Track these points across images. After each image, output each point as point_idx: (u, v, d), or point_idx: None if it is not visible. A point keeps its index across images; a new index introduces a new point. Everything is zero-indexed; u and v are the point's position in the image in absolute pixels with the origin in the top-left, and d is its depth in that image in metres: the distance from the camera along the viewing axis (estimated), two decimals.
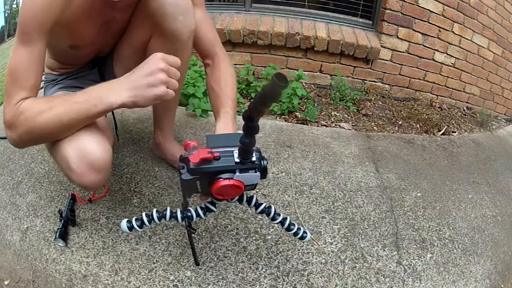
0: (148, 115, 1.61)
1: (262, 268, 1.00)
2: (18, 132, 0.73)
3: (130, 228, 0.75)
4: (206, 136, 0.70)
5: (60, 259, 0.98)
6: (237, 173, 0.63)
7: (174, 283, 0.94)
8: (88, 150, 0.76)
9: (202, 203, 0.80)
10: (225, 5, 2.22)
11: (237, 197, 0.76)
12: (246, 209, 1.16)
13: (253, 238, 1.08)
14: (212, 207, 0.79)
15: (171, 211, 0.78)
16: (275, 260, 1.03)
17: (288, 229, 0.83)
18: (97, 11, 0.83)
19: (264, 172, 0.66)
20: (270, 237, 1.09)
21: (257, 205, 0.81)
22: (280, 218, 0.82)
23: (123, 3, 0.88)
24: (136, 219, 0.76)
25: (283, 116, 1.84)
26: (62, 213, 1.05)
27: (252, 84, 1.98)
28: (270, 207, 0.81)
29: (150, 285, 0.93)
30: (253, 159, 0.64)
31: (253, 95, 1.95)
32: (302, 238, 0.84)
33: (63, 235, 1.02)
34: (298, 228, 0.84)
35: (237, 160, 0.63)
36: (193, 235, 0.90)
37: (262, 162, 0.66)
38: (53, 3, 0.72)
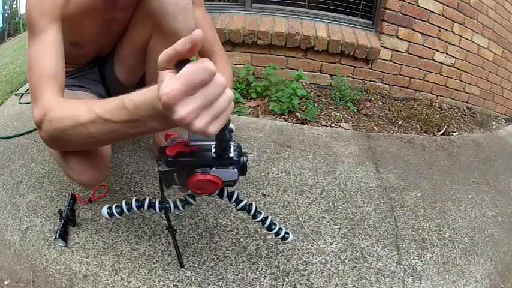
0: None
1: (262, 268, 1.00)
2: (47, 134, 0.66)
3: (110, 214, 0.78)
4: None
5: (60, 259, 0.98)
6: (214, 168, 0.62)
7: (174, 283, 0.94)
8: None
9: (182, 196, 0.80)
10: (225, 5, 2.22)
11: (216, 192, 0.76)
12: None
13: (253, 238, 1.08)
14: (191, 201, 0.79)
15: (149, 201, 0.79)
16: (275, 260, 1.02)
17: (269, 228, 0.83)
18: (98, 10, 0.83)
19: (243, 169, 0.65)
20: (270, 237, 1.08)
21: (237, 201, 0.80)
22: (261, 217, 0.82)
23: (124, 3, 0.88)
24: (116, 206, 0.78)
25: (283, 116, 1.84)
26: (62, 213, 1.05)
27: (252, 84, 1.98)
28: (250, 204, 0.81)
29: (150, 285, 0.93)
30: (231, 155, 0.62)
31: (253, 95, 1.95)
32: (284, 239, 0.84)
33: (63, 235, 1.02)
34: (280, 229, 0.84)
35: (214, 155, 0.62)
36: (177, 236, 0.91)
37: (241, 158, 0.64)
38: None
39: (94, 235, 1.05)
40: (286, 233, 0.84)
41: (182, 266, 0.98)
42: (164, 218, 1.11)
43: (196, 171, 0.62)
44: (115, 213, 0.78)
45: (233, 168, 0.64)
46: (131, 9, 0.93)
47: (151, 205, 0.79)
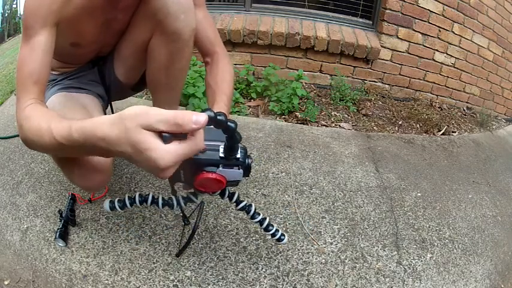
0: None
1: (262, 268, 1.00)
2: (23, 138, 0.69)
3: (112, 208, 0.78)
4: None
5: (60, 259, 0.98)
6: (220, 168, 0.64)
7: (174, 283, 0.94)
8: None
9: (185, 193, 0.81)
10: (225, 5, 2.22)
11: (218, 192, 0.77)
12: None
13: (253, 238, 1.08)
14: (193, 198, 0.81)
15: (153, 196, 0.80)
16: (275, 260, 1.03)
17: (266, 229, 0.85)
18: (99, 10, 0.83)
19: (247, 170, 0.67)
20: (269, 237, 1.08)
21: (238, 202, 0.82)
22: (259, 218, 0.84)
23: (125, 3, 0.88)
24: (118, 201, 0.78)
25: (283, 116, 1.84)
26: (62, 213, 1.05)
27: (252, 84, 1.98)
28: (250, 205, 0.83)
29: (150, 285, 0.93)
30: (238, 156, 0.64)
31: (253, 95, 1.95)
32: (279, 240, 0.87)
33: (63, 235, 1.02)
34: (277, 230, 0.86)
35: (221, 155, 0.64)
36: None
37: (246, 160, 0.67)
38: None
39: (94, 235, 1.05)
40: (282, 234, 0.87)
41: (177, 255, 1.00)
42: (164, 217, 1.11)
43: (204, 169, 0.64)
44: (117, 207, 0.78)
45: (238, 169, 0.66)
46: (132, 10, 0.93)
47: (155, 201, 0.80)
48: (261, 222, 0.84)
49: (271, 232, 0.85)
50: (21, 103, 0.70)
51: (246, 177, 0.69)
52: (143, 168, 0.51)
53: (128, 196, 0.79)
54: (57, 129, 0.58)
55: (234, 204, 0.82)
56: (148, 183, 1.23)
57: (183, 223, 0.92)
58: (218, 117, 0.53)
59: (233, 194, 0.81)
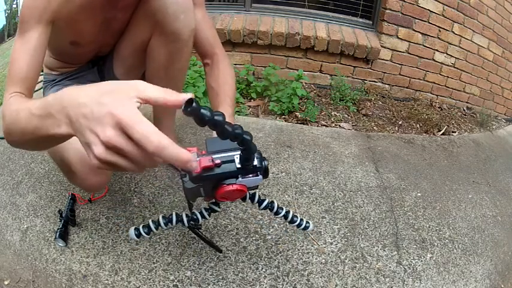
0: (148, 114, 1.61)
1: (262, 268, 1.00)
2: (3, 129, 0.65)
3: (138, 235, 0.76)
4: (205, 140, 0.69)
5: (60, 259, 0.98)
6: (240, 178, 0.64)
7: (174, 283, 0.94)
8: None
9: (206, 204, 0.81)
10: (225, 5, 2.22)
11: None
12: (246, 209, 1.16)
13: (253, 238, 1.08)
14: (216, 208, 0.81)
15: (177, 215, 0.79)
16: (275, 260, 1.03)
17: (292, 221, 0.85)
18: (98, 9, 0.83)
19: (266, 173, 0.67)
20: (270, 237, 1.09)
21: (260, 202, 0.82)
22: (283, 212, 0.84)
23: (125, 3, 0.89)
24: (143, 227, 0.77)
25: (283, 116, 1.84)
26: (62, 213, 1.05)
27: (252, 84, 1.98)
28: (272, 202, 0.83)
29: (150, 285, 0.93)
30: (255, 163, 0.64)
31: (253, 95, 1.95)
32: (306, 228, 0.86)
33: (63, 235, 1.02)
34: (301, 220, 0.86)
35: (238, 166, 0.63)
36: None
37: (263, 163, 0.66)
38: None
39: (94, 235, 1.05)
40: (307, 222, 0.86)
41: (220, 251, 1.01)
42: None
43: (224, 183, 0.63)
44: (143, 233, 0.76)
45: (258, 175, 0.65)
46: (131, 9, 0.93)
47: (179, 219, 0.79)
48: (285, 216, 0.84)
49: (296, 223, 0.85)
50: (6, 96, 0.70)
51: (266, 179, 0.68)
52: (83, 132, 0.42)
53: (152, 220, 0.77)
54: (35, 103, 0.54)
55: (257, 204, 0.82)
56: (148, 183, 1.23)
57: (191, 230, 0.91)
58: (236, 131, 0.49)
59: (254, 195, 0.81)
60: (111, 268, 0.97)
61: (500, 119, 2.71)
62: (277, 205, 0.83)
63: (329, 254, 1.06)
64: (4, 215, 1.12)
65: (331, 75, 2.18)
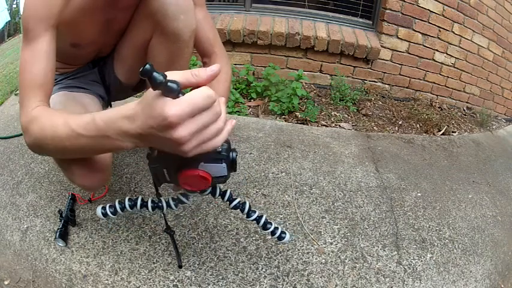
0: None
1: (262, 268, 1.00)
2: (30, 141, 0.69)
3: (105, 214, 0.77)
4: None
5: (60, 259, 0.99)
6: (202, 163, 0.62)
7: (174, 283, 0.94)
8: None
9: (175, 195, 0.80)
10: (225, 5, 2.22)
11: (209, 190, 0.75)
12: None
13: (253, 238, 1.08)
14: (184, 199, 0.78)
15: (142, 200, 0.79)
16: (275, 260, 1.03)
17: (264, 228, 0.81)
18: (99, 10, 0.83)
19: (232, 164, 0.64)
20: (270, 237, 1.08)
21: (230, 200, 0.79)
22: (255, 216, 0.80)
23: (125, 3, 0.88)
24: (110, 206, 0.78)
25: (283, 116, 1.84)
26: (62, 213, 1.05)
27: (252, 84, 1.98)
28: (244, 203, 0.80)
29: (150, 285, 0.93)
30: (219, 149, 0.62)
31: (253, 95, 1.95)
32: (280, 239, 0.82)
33: (63, 235, 1.02)
34: (276, 228, 0.82)
35: None
36: (175, 236, 0.90)
37: (230, 154, 0.64)
38: None
39: (94, 235, 1.05)
40: (282, 232, 0.82)
41: (180, 266, 0.97)
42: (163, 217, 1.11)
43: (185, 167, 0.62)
44: (109, 213, 0.77)
45: (221, 163, 0.63)
46: (132, 10, 0.93)
47: (144, 204, 0.79)
48: (257, 220, 0.81)
49: (270, 230, 0.81)
50: (27, 107, 0.69)
51: (233, 172, 0.66)
52: (162, 143, 0.51)
53: (119, 201, 0.78)
54: (76, 120, 0.59)
55: (228, 202, 0.79)
56: (148, 183, 1.23)
57: (166, 232, 0.90)
58: (169, 83, 0.48)
59: (225, 192, 0.79)
60: (111, 268, 0.97)
61: (500, 119, 2.71)
62: (249, 207, 0.80)
63: (329, 254, 1.06)
64: (4, 215, 1.12)
65: (331, 75, 2.18)
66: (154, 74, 0.46)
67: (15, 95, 1.99)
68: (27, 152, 1.38)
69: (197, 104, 0.47)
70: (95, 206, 1.13)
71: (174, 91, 0.47)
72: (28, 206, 1.14)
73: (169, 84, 0.47)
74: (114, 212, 0.78)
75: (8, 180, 1.25)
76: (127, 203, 0.78)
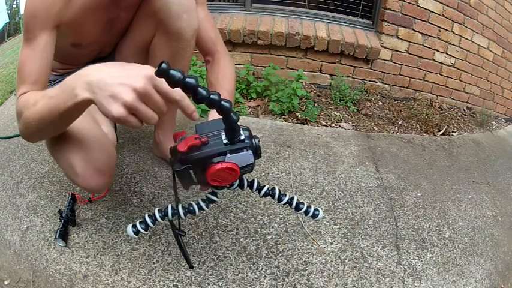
0: None
1: (262, 268, 1.00)
2: (19, 125, 0.72)
3: (137, 232, 0.74)
4: (195, 125, 0.68)
5: (60, 259, 0.98)
6: (228, 155, 0.61)
7: (174, 283, 0.94)
8: (93, 156, 0.76)
9: (204, 195, 0.78)
10: (225, 5, 2.22)
11: (237, 183, 0.74)
12: (246, 209, 1.16)
13: (253, 238, 1.08)
14: (214, 198, 0.77)
15: (172, 208, 0.76)
16: (275, 260, 1.03)
17: (297, 208, 0.80)
18: (101, 9, 0.83)
19: (257, 151, 0.64)
20: (270, 237, 1.09)
21: (260, 188, 0.77)
22: (286, 198, 0.79)
23: (128, 2, 0.88)
24: (140, 223, 0.74)
25: (283, 116, 1.84)
26: (62, 213, 1.05)
27: (252, 84, 1.98)
28: (273, 188, 0.78)
29: (150, 285, 0.93)
30: (242, 137, 0.62)
31: (253, 95, 1.95)
32: (314, 216, 0.80)
33: (63, 235, 1.02)
34: (309, 207, 0.80)
35: (225, 141, 0.61)
36: (183, 237, 0.88)
37: (253, 140, 0.64)
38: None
39: (94, 235, 1.05)
40: (315, 209, 0.80)
41: (192, 267, 0.96)
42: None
43: (212, 161, 0.61)
44: (140, 229, 0.74)
45: (247, 151, 0.62)
46: (134, 8, 0.93)
47: (175, 212, 0.76)
48: (289, 202, 0.79)
49: (303, 210, 0.80)
50: (18, 94, 0.73)
51: (258, 159, 0.66)
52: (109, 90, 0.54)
53: (148, 215, 0.75)
54: (52, 89, 0.63)
55: (257, 191, 0.77)
56: (148, 183, 1.23)
57: (179, 234, 0.86)
58: (211, 96, 0.52)
59: (252, 182, 0.77)
60: (111, 268, 0.97)
61: (500, 119, 2.71)
62: (279, 191, 0.78)
63: (329, 254, 1.06)
64: (4, 215, 1.12)
65: (331, 75, 2.18)
66: (172, 72, 0.49)
67: (15, 95, 1.99)
68: (27, 152, 1.38)
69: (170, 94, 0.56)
70: (95, 206, 1.13)
71: (194, 86, 0.51)
72: (28, 206, 1.14)
73: (187, 79, 0.50)
74: (146, 228, 0.74)
75: (8, 180, 1.25)
76: (157, 215, 0.75)
